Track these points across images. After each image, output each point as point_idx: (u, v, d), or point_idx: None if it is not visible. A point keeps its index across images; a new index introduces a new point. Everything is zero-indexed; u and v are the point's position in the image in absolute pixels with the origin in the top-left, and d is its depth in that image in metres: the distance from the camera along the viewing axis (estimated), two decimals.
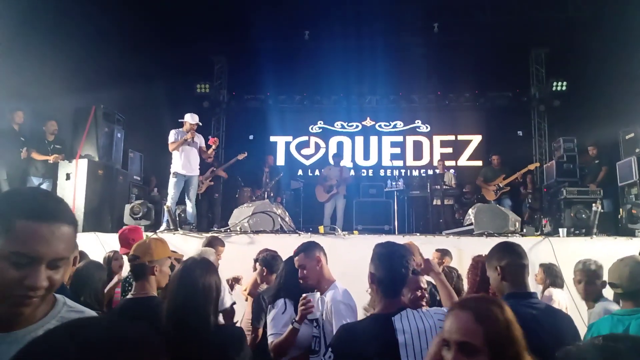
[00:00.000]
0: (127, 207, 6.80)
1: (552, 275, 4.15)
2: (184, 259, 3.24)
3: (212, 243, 4.41)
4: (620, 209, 6.76)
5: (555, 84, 10.74)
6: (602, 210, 6.35)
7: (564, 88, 10.75)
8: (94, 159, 7.19)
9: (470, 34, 10.06)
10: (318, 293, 2.59)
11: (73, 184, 6.80)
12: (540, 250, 5.38)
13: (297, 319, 2.57)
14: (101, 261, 4.38)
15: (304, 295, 2.58)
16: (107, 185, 7.32)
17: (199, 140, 7.20)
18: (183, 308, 2.03)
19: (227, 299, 3.65)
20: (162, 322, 2.07)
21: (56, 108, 7.72)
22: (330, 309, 2.59)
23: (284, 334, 2.68)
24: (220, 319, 3.71)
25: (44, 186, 7.17)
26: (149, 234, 4.90)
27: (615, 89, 8.65)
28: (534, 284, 4.15)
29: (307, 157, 12.22)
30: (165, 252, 2.66)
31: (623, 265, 2.44)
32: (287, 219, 6.54)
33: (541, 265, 4.43)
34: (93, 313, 1.40)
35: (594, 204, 6.41)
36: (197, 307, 2.04)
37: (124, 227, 4.71)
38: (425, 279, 2.80)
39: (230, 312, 3.71)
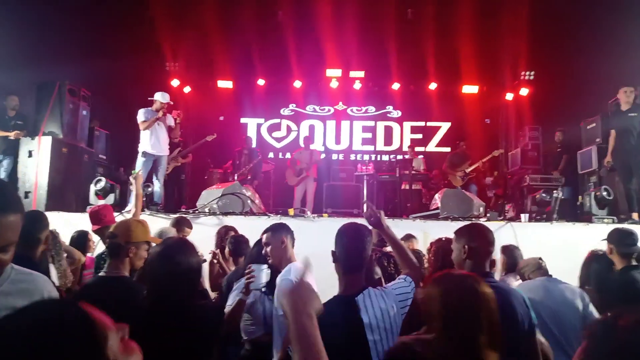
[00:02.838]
0: (92, 186, 6.65)
1: (511, 258, 4.15)
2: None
3: (180, 224, 4.39)
4: (580, 196, 7.01)
5: (523, 73, 10.99)
6: (562, 197, 6.57)
7: (532, 77, 11.02)
8: (58, 137, 6.99)
9: (442, 21, 10.10)
10: (265, 265, 2.63)
11: (36, 162, 6.61)
12: (502, 234, 5.54)
13: (243, 290, 2.61)
14: (67, 241, 4.33)
15: (249, 265, 2.63)
16: (71, 163, 7.14)
17: (168, 120, 7.07)
18: (164, 287, 2.05)
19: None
20: (137, 301, 2.10)
21: (18, 82, 7.41)
22: (280, 284, 2.66)
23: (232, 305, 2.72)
24: None
25: (4, 163, 6.93)
26: (116, 213, 4.81)
27: (580, 80, 8.89)
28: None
29: (278, 140, 12.18)
30: (144, 236, 2.65)
31: None
32: (257, 201, 6.54)
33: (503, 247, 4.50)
34: (41, 275, 1.53)
35: (555, 191, 6.64)
36: (178, 287, 2.05)
37: (94, 206, 4.65)
38: (378, 268, 2.85)
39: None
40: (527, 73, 11.03)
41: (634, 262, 3.24)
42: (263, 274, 2.58)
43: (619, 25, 7.98)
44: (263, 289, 2.68)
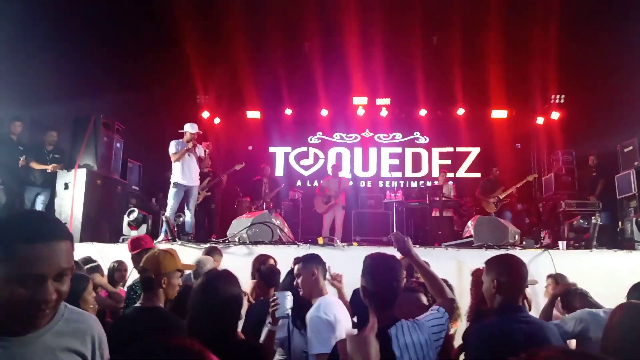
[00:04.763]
0: (125, 217, 6.78)
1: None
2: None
3: (211, 253, 4.40)
4: (620, 222, 6.74)
5: (553, 96, 10.81)
6: (601, 223, 6.33)
7: (562, 100, 10.82)
8: (93, 169, 7.18)
9: (468, 46, 10.09)
10: (289, 292, 2.63)
11: (71, 194, 6.79)
12: (539, 263, 5.35)
13: (270, 320, 2.59)
14: (105, 271, 4.42)
15: (273, 293, 2.64)
16: (105, 195, 7.31)
17: (198, 150, 7.21)
18: (206, 318, 2.04)
19: None
20: (175, 332, 2.09)
21: (55, 117, 7.71)
22: (309, 321, 2.66)
23: (262, 337, 2.69)
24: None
25: (41, 196, 7.15)
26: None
27: (613, 102, 8.69)
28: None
29: (306, 168, 12.23)
30: (173, 265, 2.67)
31: None
32: (286, 230, 6.52)
33: (549, 276, 4.32)
34: (91, 314, 1.56)
35: (592, 217, 6.40)
36: (220, 318, 2.05)
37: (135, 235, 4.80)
38: (424, 297, 2.76)
39: None
40: (558, 96, 10.84)
41: None
42: (287, 300, 2.57)
43: None
44: (287, 315, 2.65)
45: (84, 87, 7.80)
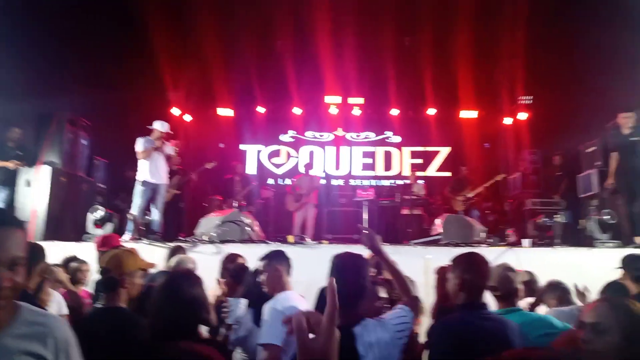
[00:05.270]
0: (90, 215, 6.61)
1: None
2: (155, 269, 3.19)
3: (176, 253, 4.32)
4: (581, 220, 6.96)
5: (521, 97, 11.07)
6: (564, 221, 6.52)
7: (529, 102, 11.09)
8: (57, 166, 6.99)
9: (439, 48, 10.23)
10: (244, 300, 2.65)
11: (33, 192, 6.58)
12: (504, 260, 5.46)
13: (223, 325, 2.63)
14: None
15: (226, 299, 2.66)
16: (69, 192, 7.13)
17: (167, 148, 7.09)
18: (168, 319, 2.01)
19: None
20: (136, 332, 2.09)
21: (19, 114, 7.45)
22: (264, 313, 2.64)
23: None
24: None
25: (1, 194, 6.90)
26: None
27: (577, 104, 8.94)
28: None
29: (278, 166, 12.19)
30: (136, 264, 2.64)
31: (500, 271, 2.71)
32: (256, 228, 6.48)
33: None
34: (55, 316, 1.53)
35: (556, 215, 6.59)
36: (183, 319, 2.02)
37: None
38: (383, 288, 2.79)
39: (210, 324, 3.64)
40: (525, 97, 11.10)
41: None
42: (239, 308, 2.58)
43: (614, 49, 8.07)
44: (238, 322, 2.66)
45: (49, 84, 7.56)
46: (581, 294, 3.15)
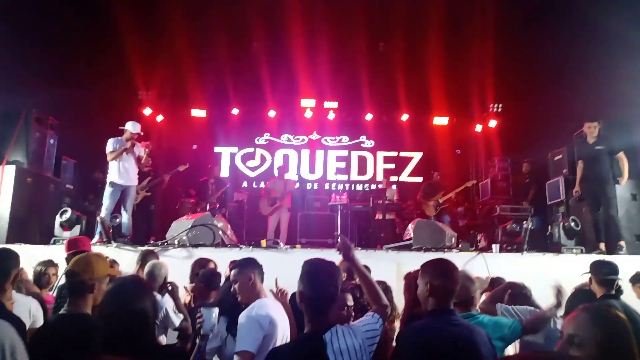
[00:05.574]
0: (58, 217, 6.43)
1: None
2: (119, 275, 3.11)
3: (147, 257, 4.24)
4: (549, 226, 7.13)
5: (491, 105, 11.32)
6: (532, 228, 6.67)
7: (499, 109, 11.34)
8: (23, 165, 6.78)
9: (412, 55, 10.38)
10: (216, 308, 2.62)
11: None
12: (474, 265, 5.57)
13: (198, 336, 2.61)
14: (30, 276, 4.17)
15: (199, 309, 2.62)
16: (36, 193, 6.93)
17: (138, 150, 6.96)
18: (117, 328, 1.95)
19: (174, 318, 3.51)
20: (96, 342, 2.00)
21: None
22: (239, 320, 2.63)
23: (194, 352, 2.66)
24: (163, 339, 3.58)
25: None
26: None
27: (545, 112, 9.19)
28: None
29: (252, 169, 12.11)
30: (105, 269, 2.55)
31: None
32: (228, 232, 6.43)
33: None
34: (2, 321, 1.50)
35: (525, 221, 6.74)
36: (133, 329, 1.97)
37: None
38: (350, 296, 2.81)
39: (185, 330, 3.57)
40: (495, 105, 11.34)
41: (613, 292, 3.38)
42: (212, 317, 2.56)
43: (580, 60, 8.34)
44: (212, 331, 2.64)
45: (16, 80, 7.33)
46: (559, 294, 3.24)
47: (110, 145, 6.69)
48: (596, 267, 3.57)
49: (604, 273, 3.49)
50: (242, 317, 2.61)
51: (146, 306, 2.02)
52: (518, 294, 3.59)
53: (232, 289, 2.86)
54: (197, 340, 2.58)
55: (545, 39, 9.07)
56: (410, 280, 3.10)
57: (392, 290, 3.81)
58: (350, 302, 2.78)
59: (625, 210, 6.88)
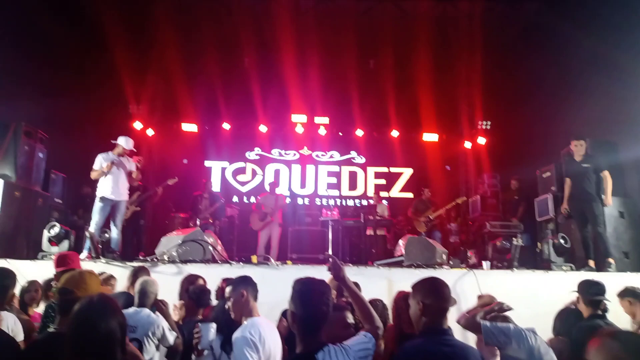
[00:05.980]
0: (46, 232, 6.34)
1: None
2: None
3: (138, 274, 4.20)
4: (539, 243, 7.17)
5: (480, 122, 11.45)
6: (522, 244, 6.71)
7: (488, 127, 11.48)
8: (11, 179, 6.70)
9: (402, 72, 10.51)
10: (213, 324, 2.63)
11: None
12: (465, 282, 5.58)
13: (194, 352, 2.61)
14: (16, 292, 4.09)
15: (197, 324, 2.64)
16: (24, 207, 6.84)
17: (129, 164, 6.92)
18: (88, 352, 1.91)
19: (169, 335, 3.47)
20: None
21: None
22: (234, 342, 2.63)
23: None
24: (157, 356, 3.54)
25: None
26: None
27: (533, 130, 9.31)
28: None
29: (243, 184, 12.09)
30: (98, 287, 2.54)
31: None
32: (218, 248, 6.37)
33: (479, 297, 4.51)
34: None
35: (514, 238, 6.78)
36: (100, 351, 1.92)
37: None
38: (350, 315, 2.80)
39: (176, 348, 3.52)
40: (484, 123, 11.48)
41: (600, 312, 3.39)
42: (210, 332, 2.56)
43: (567, 79, 8.50)
44: (210, 347, 2.65)
45: (5, 94, 7.28)
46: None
47: (97, 162, 6.65)
48: (584, 287, 3.59)
49: (592, 293, 3.52)
50: (237, 338, 2.60)
51: (113, 327, 1.96)
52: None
53: (226, 306, 2.87)
54: (193, 356, 2.55)
55: (532, 58, 9.25)
56: (398, 301, 3.10)
57: (386, 307, 3.80)
58: (351, 320, 2.76)
59: (613, 227, 6.95)
